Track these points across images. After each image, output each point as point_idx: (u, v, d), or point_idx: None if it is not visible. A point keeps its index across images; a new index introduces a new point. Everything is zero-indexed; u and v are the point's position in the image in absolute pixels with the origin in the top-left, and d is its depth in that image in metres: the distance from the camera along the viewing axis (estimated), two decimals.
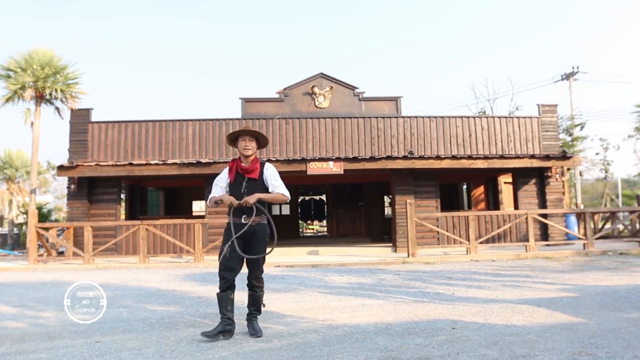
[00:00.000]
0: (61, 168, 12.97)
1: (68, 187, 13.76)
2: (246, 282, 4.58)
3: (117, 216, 13.90)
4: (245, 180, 4.50)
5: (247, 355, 3.82)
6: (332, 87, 14.49)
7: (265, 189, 4.52)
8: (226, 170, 4.63)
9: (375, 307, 5.83)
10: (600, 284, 7.41)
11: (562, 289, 6.95)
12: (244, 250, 4.38)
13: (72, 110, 14.26)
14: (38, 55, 14.09)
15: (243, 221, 4.38)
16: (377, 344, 4.09)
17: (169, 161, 13.27)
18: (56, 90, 14.18)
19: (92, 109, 14.21)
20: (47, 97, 14.49)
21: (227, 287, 4.34)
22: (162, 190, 20.27)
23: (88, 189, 13.81)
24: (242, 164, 4.54)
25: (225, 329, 4.30)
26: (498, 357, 3.66)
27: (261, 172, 4.55)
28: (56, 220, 25.44)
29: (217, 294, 4.39)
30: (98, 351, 3.99)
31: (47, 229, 12.78)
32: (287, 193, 4.52)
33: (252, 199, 4.32)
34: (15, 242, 20.93)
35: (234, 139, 4.66)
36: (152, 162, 13.13)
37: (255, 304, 4.53)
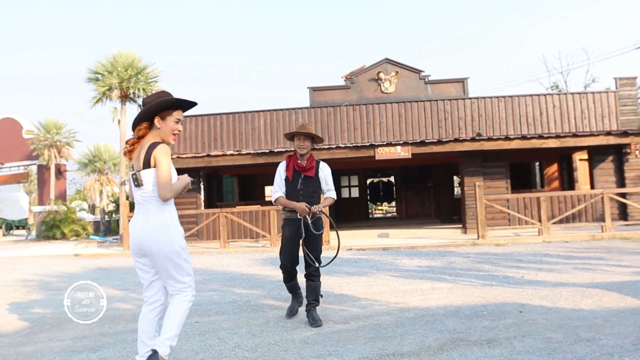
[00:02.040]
0: None
1: None
2: (304, 274, 4.88)
3: (197, 204, 14.92)
4: (302, 177, 4.78)
5: (327, 335, 4.28)
6: (397, 72, 14.63)
7: (319, 187, 4.85)
8: (283, 165, 4.86)
9: (445, 291, 6.13)
10: None
11: (636, 272, 6.89)
12: (303, 241, 4.75)
13: None
14: (121, 58, 15.28)
15: (306, 218, 4.67)
16: (447, 326, 4.43)
17: (244, 151, 14.03)
18: (138, 89, 15.34)
19: None
20: (131, 96, 15.70)
21: (291, 278, 4.93)
22: (236, 177, 21.31)
23: None
24: (299, 162, 4.80)
25: (300, 302, 5.09)
26: (562, 340, 3.89)
27: (317, 171, 4.84)
28: None
29: (286, 285, 5.01)
30: (199, 330, 4.62)
31: None
32: (335, 196, 4.93)
33: (317, 209, 4.65)
34: (107, 229, 22.82)
35: (290, 137, 4.96)
36: (228, 152, 13.94)
37: (313, 293, 4.75)
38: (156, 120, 3.16)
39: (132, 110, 17.90)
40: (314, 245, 4.75)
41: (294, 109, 14.88)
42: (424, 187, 20.31)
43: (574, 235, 11.76)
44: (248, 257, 10.90)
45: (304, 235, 4.69)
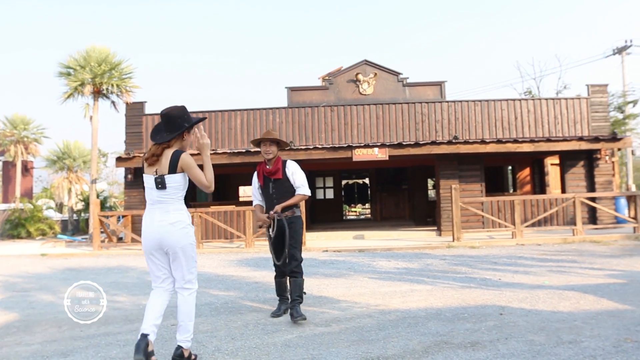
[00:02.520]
0: (119, 159, 13.74)
1: (125, 177, 14.56)
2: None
3: None
4: (272, 182, 4.94)
5: (309, 338, 4.19)
6: (376, 73, 14.65)
7: (290, 187, 4.94)
8: (255, 175, 5.09)
9: (424, 293, 6.11)
10: None
11: (609, 275, 7.02)
12: (282, 241, 4.84)
13: (127, 103, 15.02)
14: (95, 53, 14.87)
15: (277, 218, 4.87)
16: (429, 329, 4.39)
17: (219, 150, 13.82)
18: (112, 85, 14.95)
19: (145, 102, 14.94)
20: (104, 92, 15.29)
21: (281, 274, 5.04)
22: None
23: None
24: (267, 167, 4.97)
25: (287, 307, 4.98)
26: (545, 343, 3.89)
27: (284, 172, 4.94)
28: (111, 207, 26.76)
29: (275, 280, 5.15)
30: (175, 333, 4.46)
31: (108, 217, 13.61)
32: (307, 192, 4.99)
33: (277, 209, 4.82)
34: (75, 228, 22.21)
35: (257, 144, 5.10)
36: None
37: (297, 290, 4.85)
38: (185, 134, 3.63)
39: (105, 107, 17.49)
40: (286, 243, 4.83)
41: (271, 108, 14.74)
42: (399, 189, 20.41)
43: (546, 238, 11.96)
44: (223, 258, 10.72)
45: (272, 235, 4.87)
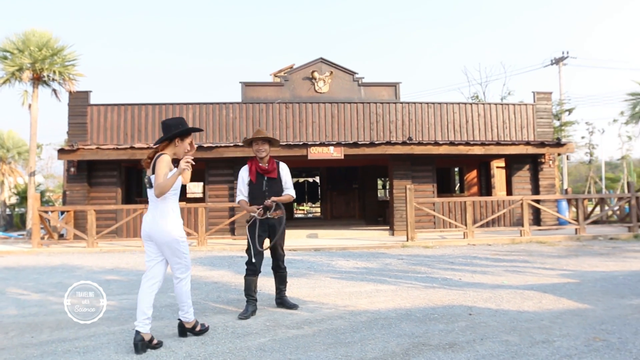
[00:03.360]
0: (62, 152, 12.95)
1: (67, 170, 13.75)
2: (271, 267, 5.29)
3: (117, 199, 13.97)
4: (265, 179, 5.12)
5: (283, 341, 4.03)
6: (332, 72, 14.59)
7: (281, 187, 5.22)
8: (245, 170, 5.23)
9: (390, 293, 6.08)
10: (597, 269, 7.76)
11: (562, 275, 7.28)
12: (268, 237, 5.07)
13: (70, 92, 14.20)
14: (35, 37, 13.94)
15: (269, 215, 5.01)
16: (403, 330, 4.34)
17: None
18: (54, 72, 14.09)
19: (90, 91, 14.15)
20: (45, 79, 14.41)
21: (254, 273, 4.98)
22: None
23: (88, 172, 13.83)
24: (261, 165, 5.15)
25: (255, 308, 5.00)
26: (519, 343, 3.92)
27: (278, 172, 5.20)
28: (47, 201, 25.33)
29: (245, 278, 5.01)
30: None
31: (48, 212, 12.81)
32: (294, 193, 5.30)
33: (269, 201, 4.96)
34: (8, 223, 20.86)
35: (249, 143, 5.27)
36: (154, 145, 13.15)
37: (283, 282, 5.28)
38: (176, 140, 4.09)
39: (46, 95, 16.52)
40: (275, 237, 5.02)
41: (224, 103, 14.36)
42: (349, 189, 20.47)
43: (496, 238, 12.32)
44: None
45: (257, 230, 4.94)
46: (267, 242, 5.07)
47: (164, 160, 3.94)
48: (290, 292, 6.17)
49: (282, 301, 5.27)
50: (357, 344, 3.96)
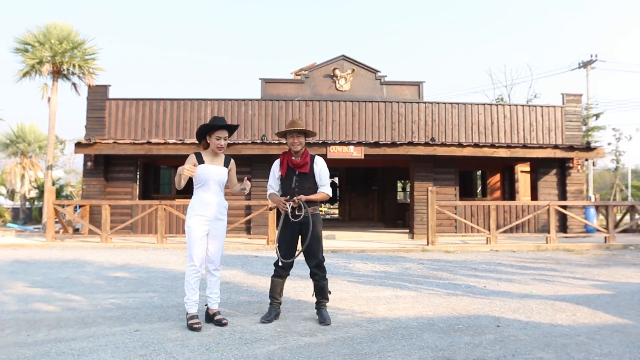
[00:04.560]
0: (79, 145, 12.85)
1: (85, 165, 13.65)
2: (307, 271, 4.82)
3: (133, 195, 13.82)
4: (296, 174, 4.65)
5: (295, 350, 3.71)
6: (353, 70, 14.23)
7: (315, 183, 4.68)
8: (277, 164, 4.78)
9: (410, 300, 5.71)
10: (632, 281, 7.27)
11: (594, 286, 6.81)
12: (298, 237, 4.61)
13: (89, 86, 14.09)
14: (56, 30, 13.88)
15: (296, 214, 4.55)
16: (426, 342, 3.97)
17: (187, 141, 13.12)
18: (74, 65, 14.00)
19: (109, 85, 14.04)
20: (65, 72, 14.33)
21: (284, 274, 4.65)
22: (174, 169, 20.14)
23: (104, 167, 13.71)
24: (293, 158, 4.68)
25: (277, 312, 4.67)
26: None
27: (311, 167, 4.69)
28: (67, 196, 25.46)
29: (272, 279, 4.67)
30: (140, 341, 3.89)
31: (64, 206, 12.71)
32: (330, 192, 4.72)
33: (298, 199, 4.52)
34: (27, 217, 20.96)
35: (282, 135, 4.81)
36: (171, 141, 12.98)
37: (320, 293, 4.65)
38: (207, 137, 4.52)
39: (65, 89, 16.49)
40: (305, 240, 4.53)
41: (243, 100, 14.12)
42: (369, 190, 20.07)
43: (520, 245, 11.81)
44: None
45: (281, 225, 4.59)
46: (299, 246, 4.65)
47: (188, 158, 4.48)
48: (304, 296, 5.86)
49: (317, 312, 4.66)
50: (374, 355, 3.61)
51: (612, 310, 5.19)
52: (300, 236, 4.60)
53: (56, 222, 12.69)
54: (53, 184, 20.54)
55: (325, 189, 4.67)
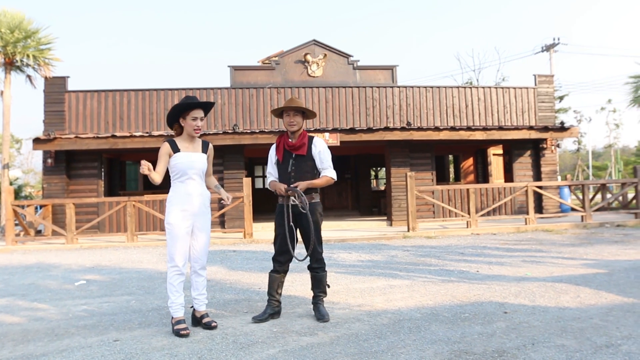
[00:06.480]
0: (37, 141, 12.05)
1: (44, 162, 12.85)
2: (295, 264, 4.54)
3: (98, 192, 13.11)
4: (293, 157, 4.23)
5: (296, 353, 3.34)
6: (325, 55, 13.83)
7: (314, 166, 4.29)
8: (273, 148, 4.39)
9: (405, 289, 5.43)
10: (619, 258, 7.22)
11: (585, 265, 6.70)
12: (297, 229, 4.26)
13: (46, 78, 13.23)
14: (6, 18, 12.92)
15: (292, 203, 4.14)
16: (436, 334, 3.68)
17: (155, 133, 12.49)
18: (27, 56, 13.11)
19: (68, 77, 13.21)
20: (18, 64, 13.40)
21: (281, 269, 4.29)
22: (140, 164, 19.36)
23: (66, 164, 12.94)
24: (289, 140, 4.27)
25: (274, 311, 4.26)
26: (580, 349, 3.28)
27: (309, 148, 4.25)
28: (27, 197, 24.23)
29: (270, 275, 4.31)
30: (122, 353, 3.44)
31: (24, 207, 11.92)
32: (334, 175, 4.32)
33: (300, 186, 4.09)
34: None
35: (279, 114, 4.37)
36: (137, 134, 12.33)
37: (318, 285, 4.30)
38: (180, 120, 4.04)
39: (20, 81, 15.50)
40: (305, 231, 4.21)
41: (212, 88, 13.53)
42: (342, 179, 19.81)
43: (500, 227, 11.74)
44: (161, 252, 9.54)
45: (286, 218, 4.13)
46: (300, 239, 4.33)
47: (161, 148, 4.04)
48: (294, 290, 5.52)
49: (314, 307, 4.28)
50: (386, 354, 3.29)
51: (614, 290, 5.03)
52: (296, 225, 4.22)
53: (16, 225, 11.91)
54: (10, 184, 19.45)
55: (328, 172, 4.25)
